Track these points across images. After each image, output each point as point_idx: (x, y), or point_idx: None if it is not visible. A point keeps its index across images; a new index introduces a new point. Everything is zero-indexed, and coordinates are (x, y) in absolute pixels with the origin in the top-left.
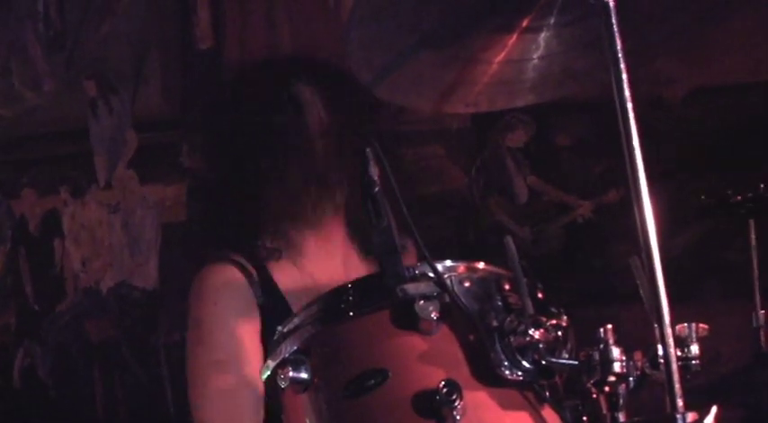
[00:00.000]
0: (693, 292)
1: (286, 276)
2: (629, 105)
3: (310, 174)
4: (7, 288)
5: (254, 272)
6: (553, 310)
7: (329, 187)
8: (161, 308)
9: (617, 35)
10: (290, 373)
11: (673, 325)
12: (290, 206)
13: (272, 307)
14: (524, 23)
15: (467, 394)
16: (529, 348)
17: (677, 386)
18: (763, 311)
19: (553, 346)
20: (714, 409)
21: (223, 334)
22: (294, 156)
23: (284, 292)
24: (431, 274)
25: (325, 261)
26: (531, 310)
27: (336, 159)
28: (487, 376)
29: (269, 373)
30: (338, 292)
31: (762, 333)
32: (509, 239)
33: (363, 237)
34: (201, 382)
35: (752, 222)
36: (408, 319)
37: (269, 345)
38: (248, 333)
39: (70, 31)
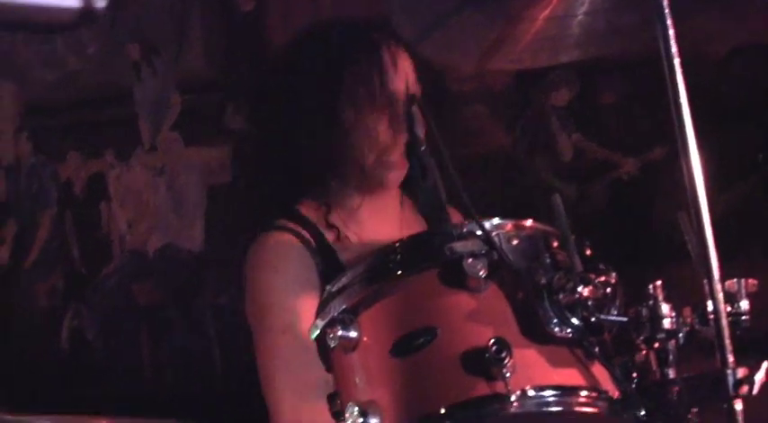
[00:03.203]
0: (736, 252)
1: (344, 244)
2: (676, 61)
3: (380, 136)
4: (54, 251)
5: (311, 239)
6: (601, 266)
7: (392, 151)
8: (207, 269)
9: None
10: (339, 332)
11: (722, 280)
12: (351, 169)
13: (331, 273)
14: None
15: (516, 352)
16: (577, 305)
17: (727, 342)
18: None
19: (602, 303)
20: (765, 365)
21: (288, 299)
22: (369, 116)
23: (343, 260)
24: (478, 232)
25: (382, 226)
26: (579, 267)
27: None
28: (536, 334)
29: (318, 332)
30: (386, 251)
31: None
32: (557, 197)
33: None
34: (272, 348)
35: None
36: (456, 278)
37: None
38: (311, 297)
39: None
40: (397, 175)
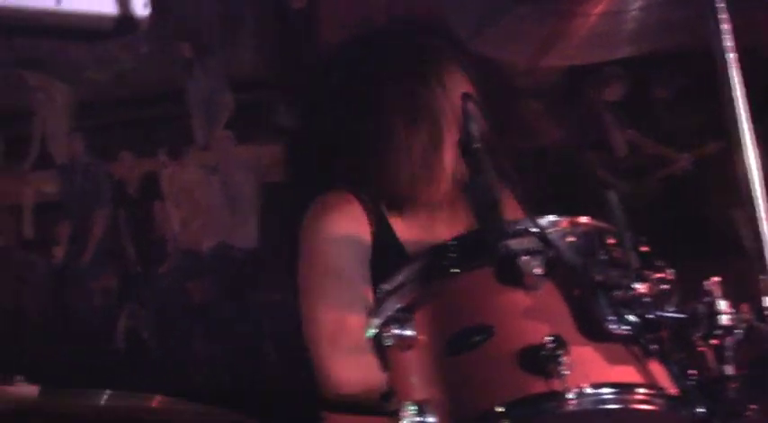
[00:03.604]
0: None
1: (399, 222)
2: (731, 55)
3: (435, 134)
4: (108, 251)
5: (371, 205)
6: (658, 263)
7: (448, 147)
8: (261, 267)
9: None
10: (395, 331)
11: None
12: (407, 165)
13: (385, 242)
14: None
15: (572, 349)
16: (634, 302)
17: None
18: None
19: (658, 300)
20: None
21: (339, 253)
22: (424, 114)
23: (398, 235)
24: (534, 230)
25: (436, 214)
26: (635, 263)
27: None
28: (593, 331)
29: (373, 331)
30: (441, 249)
31: None
32: (612, 193)
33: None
34: (314, 296)
35: None
36: (512, 275)
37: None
38: (361, 256)
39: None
40: (432, 192)
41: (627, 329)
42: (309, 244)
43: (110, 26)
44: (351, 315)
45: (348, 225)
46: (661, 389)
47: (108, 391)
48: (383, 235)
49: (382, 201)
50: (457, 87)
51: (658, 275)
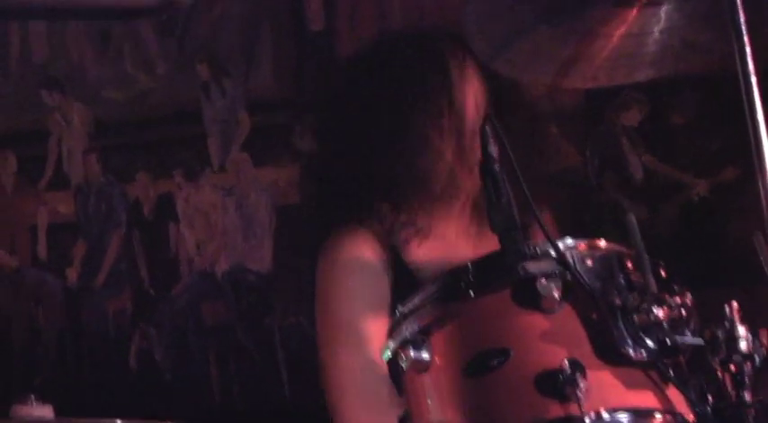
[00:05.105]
0: None
1: (415, 255)
2: (753, 78)
3: (450, 153)
4: (123, 272)
5: (384, 247)
6: (676, 288)
7: (465, 167)
8: (276, 290)
9: (739, 7)
10: (411, 354)
11: None
12: (421, 188)
13: (402, 284)
14: None
15: (590, 373)
16: (652, 327)
17: None
18: None
19: (677, 325)
20: None
21: (354, 311)
22: (437, 137)
23: (414, 271)
24: (552, 252)
25: (450, 243)
26: (654, 288)
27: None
28: (610, 355)
29: (390, 354)
30: (458, 272)
31: None
32: (631, 217)
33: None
34: (334, 358)
35: None
36: (530, 298)
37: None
38: (379, 309)
39: (182, 14)
40: (463, 200)
41: (644, 354)
42: (324, 297)
43: (153, 4)
44: (367, 369)
45: (364, 283)
46: (678, 415)
47: (118, 421)
48: (400, 274)
49: (400, 231)
50: (473, 79)
51: (677, 300)
